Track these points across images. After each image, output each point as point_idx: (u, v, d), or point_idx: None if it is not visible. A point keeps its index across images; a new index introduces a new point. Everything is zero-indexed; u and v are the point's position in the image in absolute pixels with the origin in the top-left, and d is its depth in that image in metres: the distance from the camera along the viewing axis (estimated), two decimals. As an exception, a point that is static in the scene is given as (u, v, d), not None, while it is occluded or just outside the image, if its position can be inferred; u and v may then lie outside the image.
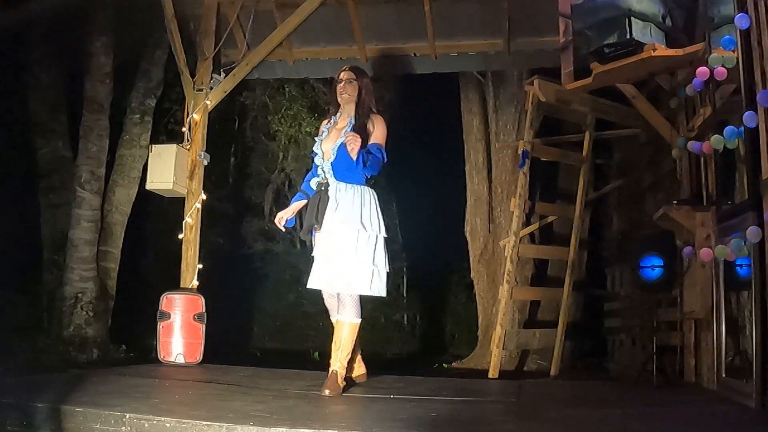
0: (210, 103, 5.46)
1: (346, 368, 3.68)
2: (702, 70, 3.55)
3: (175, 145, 5.27)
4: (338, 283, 3.56)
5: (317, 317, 8.87)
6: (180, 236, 5.29)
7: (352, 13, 5.36)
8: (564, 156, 6.54)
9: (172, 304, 4.93)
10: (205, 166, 5.48)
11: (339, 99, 3.80)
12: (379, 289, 3.62)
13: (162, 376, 4.15)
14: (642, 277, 4.45)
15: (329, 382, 3.49)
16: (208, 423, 2.49)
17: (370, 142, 3.62)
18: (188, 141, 5.37)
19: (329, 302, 3.72)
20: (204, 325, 4.94)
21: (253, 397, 3.25)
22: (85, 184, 6.36)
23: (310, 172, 3.88)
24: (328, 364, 3.62)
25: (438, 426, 2.72)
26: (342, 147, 3.60)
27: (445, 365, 7.23)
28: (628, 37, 3.87)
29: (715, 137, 3.40)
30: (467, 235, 7.38)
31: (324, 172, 3.70)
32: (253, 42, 5.61)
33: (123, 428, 2.57)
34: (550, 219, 7.03)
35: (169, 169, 5.18)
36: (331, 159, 3.67)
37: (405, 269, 9.82)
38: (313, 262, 3.67)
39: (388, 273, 3.68)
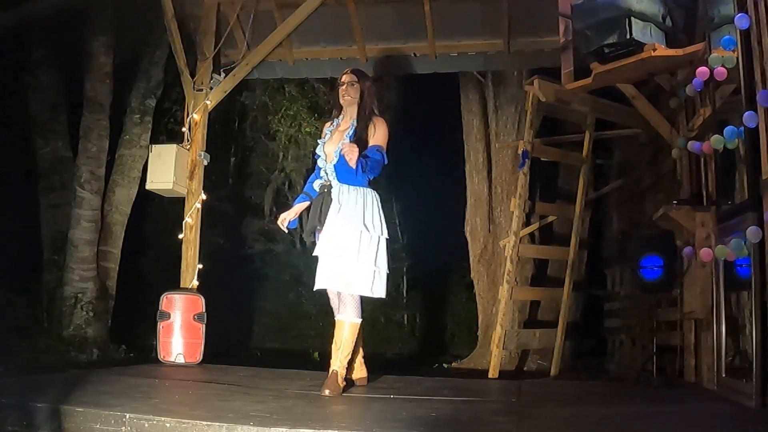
0: (210, 103, 5.47)
1: (347, 368, 3.69)
2: (702, 70, 3.55)
3: (175, 145, 5.27)
4: (340, 282, 3.58)
5: (317, 317, 8.88)
6: (180, 236, 5.29)
7: (352, 13, 5.36)
8: (564, 156, 6.54)
9: (172, 304, 4.93)
10: (205, 166, 5.48)
11: (341, 101, 3.84)
12: (380, 291, 3.65)
13: (162, 376, 4.15)
14: (642, 277, 4.45)
15: (329, 382, 3.50)
16: (208, 423, 2.49)
17: (370, 144, 3.66)
18: (188, 141, 5.38)
19: (334, 302, 3.74)
20: (204, 325, 4.94)
21: (253, 397, 3.25)
22: (85, 184, 6.36)
23: (312, 174, 3.91)
24: (329, 364, 3.62)
25: (438, 426, 2.72)
26: None
27: (445, 365, 7.23)
28: (628, 37, 3.87)
29: (715, 137, 3.40)
30: (467, 235, 7.38)
31: (327, 174, 3.73)
32: (253, 42, 5.61)
33: (123, 428, 2.57)
34: (550, 219, 7.03)
35: (169, 169, 5.18)
36: (334, 161, 3.70)
37: (405, 269, 9.83)
38: (316, 263, 3.68)
39: (388, 274, 3.71)
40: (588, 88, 4.56)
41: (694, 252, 3.84)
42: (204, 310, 4.96)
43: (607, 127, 6.61)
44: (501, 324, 5.60)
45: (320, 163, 3.79)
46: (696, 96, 4.15)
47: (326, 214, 3.61)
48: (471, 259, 7.36)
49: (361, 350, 3.97)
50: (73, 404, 2.75)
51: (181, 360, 4.83)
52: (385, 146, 3.70)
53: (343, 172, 3.66)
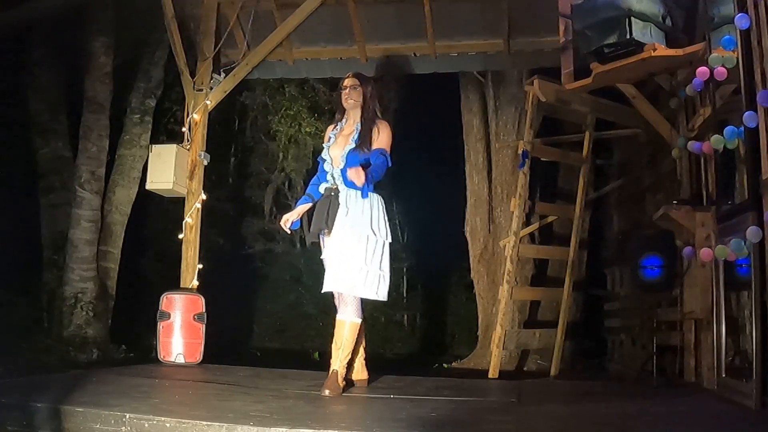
0: (210, 103, 5.46)
1: (348, 368, 3.71)
2: (702, 70, 3.55)
3: (175, 145, 5.27)
4: (348, 286, 3.60)
5: (317, 317, 8.89)
6: (180, 236, 5.29)
7: (352, 13, 5.36)
8: (564, 156, 6.54)
9: (172, 304, 4.93)
10: (205, 166, 5.48)
11: (344, 104, 3.87)
12: (384, 294, 3.70)
13: (162, 376, 4.15)
14: (642, 277, 4.45)
15: (329, 381, 3.51)
16: (208, 423, 2.49)
17: (374, 147, 3.70)
18: (188, 141, 5.37)
19: (338, 303, 3.76)
20: (204, 325, 4.94)
21: (253, 397, 3.25)
22: (85, 184, 6.36)
23: (314, 177, 3.93)
24: (329, 364, 3.63)
25: (438, 426, 2.72)
26: (351, 154, 3.68)
27: (445, 365, 7.23)
28: (628, 37, 3.87)
29: (715, 137, 3.40)
30: (467, 235, 7.38)
31: (334, 178, 3.76)
32: (253, 42, 5.61)
33: (123, 428, 2.57)
34: (550, 219, 7.03)
35: (169, 169, 5.18)
36: (341, 166, 3.72)
37: (405, 269, 9.83)
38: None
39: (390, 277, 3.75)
40: (588, 88, 4.56)
41: (694, 252, 3.84)
42: (204, 310, 4.96)
43: (607, 127, 6.61)
44: (501, 324, 5.60)
45: (326, 167, 3.81)
46: (696, 96, 4.15)
47: (333, 218, 3.65)
48: (471, 259, 7.36)
49: (362, 351, 3.98)
50: (73, 404, 2.75)
51: (181, 360, 4.83)
52: (388, 149, 3.74)
53: None
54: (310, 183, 3.95)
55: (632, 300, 6.30)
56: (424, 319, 9.87)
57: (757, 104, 3.01)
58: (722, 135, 3.34)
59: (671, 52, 3.96)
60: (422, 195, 9.10)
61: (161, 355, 4.87)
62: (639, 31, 3.86)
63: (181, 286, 5.25)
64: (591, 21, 4.05)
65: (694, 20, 4.02)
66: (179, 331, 4.89)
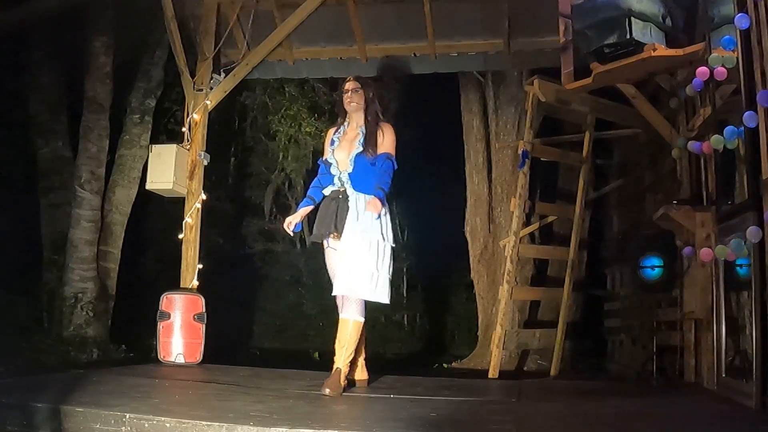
0: (210, 103, 5.46)
1: (350, 367, 3.71)
2: (702, 70, 3.55)
3: (175, 145, 5.27)
4: (358, 289, 3.61)
5: (317, 317, 8.89)
6: (180, 236, 5.29)
7: (352, 13, 5.36)
8: (564, 156, 6.54)
9: (172, 304, 4.93)
10: (205, 166, 5.48)
11: (347, 107, 3.87)
12: (389, 297, 3.73)
13: (162, 376, 4.15)
14: (642, 277, 4.46)
15: (331, 380, 3.50)
16: (208, 423, 2.49)
17: (380, 152, 3.72)
18: (188, 141, 5.37)
19: (342, 303, 3.77)
20: (204, 325, 4.94)
21: (253, 397, 3.25)
22: (85, 184, 6.36)
23: (315, 179, 3.93)
24: (332, 363, 3.64)
25: (438, 426, 2.72)
26: (358, 158, 3.70)
27: (445, 365, 7.23)
28: (628, 37, 3.87)
29: (715, 137, 3.40)
30: (467, 235, 7.38)
31: (342, 181, 3.75)
32: (253, 42, 5.61)
33: (123, 428, 2.56)
34: (550, 219, 7.03)
35: (169, 169, 5.18)
36: (349, 170, 3.73)
37: (405, 269, 9.83)
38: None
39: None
40: (588, 88, 4.56)
41: (694, 252, 3.84)
42: (204, 310, 4.96)
43: (607, 127, 6.61)
44: (501, 324, 5.60)
45: (333, 170, 3.81)
46: (696, 96, 4.15)
47: (343, 221, 3.65)
48: (471, 259, 7.37)
49: (363, 352, 3.99)
50: (73, 404, 2.75)
51: (181, 360, 4.83)
52: (393, 152, 3.76)
53: (358, 180, 3.70)
54: (311, 185, 3.94)
55: (632, 300, 6.30)
56: (424, 319, 9.88)
57: (757, 104, 3.01)
58: (722, 135, 3.33)
59: (671, 52, 3.96)
60: (422, 195, 9.10)
61: (161, 355, 4.87)
62: (639, 31, 3.86)
63: (181, 286, 5.25)
64: (591, 21, 4.05)
65: (694, 20, 4.02)
66: (179, 331, 4.89)
